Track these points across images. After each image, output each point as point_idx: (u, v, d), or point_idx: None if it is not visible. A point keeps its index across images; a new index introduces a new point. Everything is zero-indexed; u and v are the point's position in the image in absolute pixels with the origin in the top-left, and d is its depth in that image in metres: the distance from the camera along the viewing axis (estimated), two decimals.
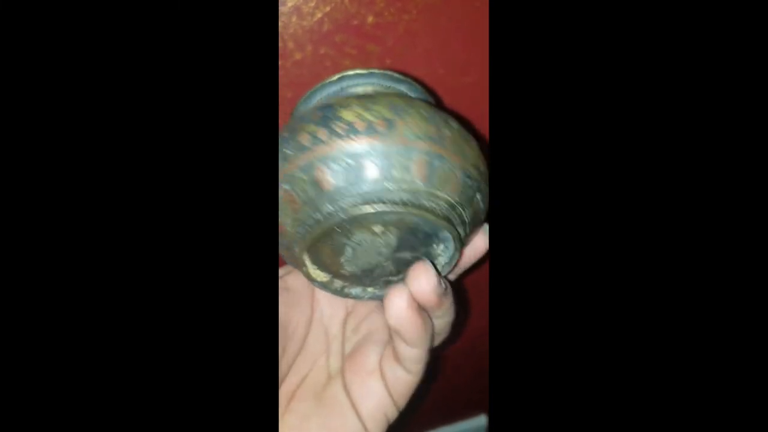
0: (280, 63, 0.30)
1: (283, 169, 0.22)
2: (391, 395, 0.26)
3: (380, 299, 0.25)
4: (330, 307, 0.29)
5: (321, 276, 0.24)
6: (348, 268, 0.24)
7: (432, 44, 0.32)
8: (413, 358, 0.25)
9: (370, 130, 0.21)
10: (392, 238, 0.22)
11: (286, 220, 0.22)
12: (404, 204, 0.21)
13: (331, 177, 0.21)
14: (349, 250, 0.23)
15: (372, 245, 0.22)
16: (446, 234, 0.23)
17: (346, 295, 0.25)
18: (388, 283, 0.25)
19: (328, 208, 0.21)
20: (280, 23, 0.29)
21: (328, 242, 0.22)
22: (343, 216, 0.21)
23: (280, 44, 0.29)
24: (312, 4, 0.29)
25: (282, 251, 0.24)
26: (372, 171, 0.20)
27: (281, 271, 0.28)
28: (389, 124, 0.21)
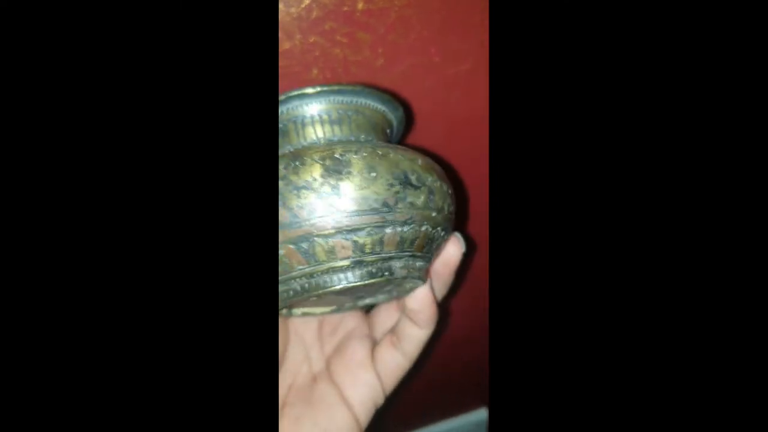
0: None
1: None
2: (381, 382, 0.28)
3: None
4: (302, 320, 0.31)
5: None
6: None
7: (426, 31, 0.31)
8: (416, 340, 0.28)
9: None
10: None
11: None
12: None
13: None
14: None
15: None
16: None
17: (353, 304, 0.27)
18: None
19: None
20: None
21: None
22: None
23: None
24: None
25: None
26: None
27: None
28: None
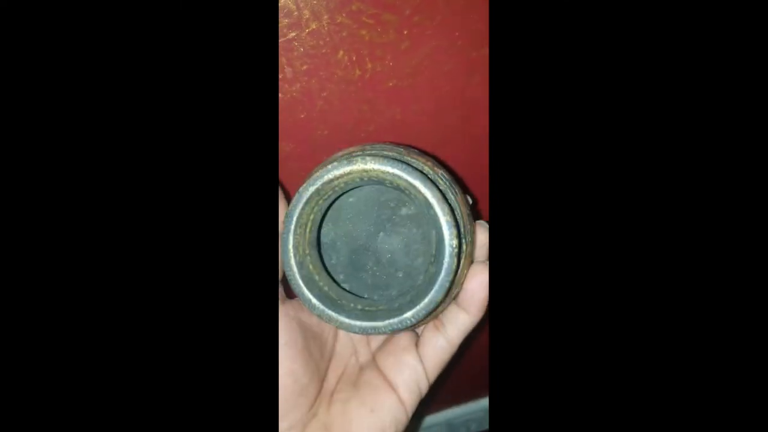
0: (295, 33, 0.29)
1: None
2: (424, 367, 0.29)
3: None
4: None
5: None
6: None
7: (451, 13, 0.31)
8: (462, 326, 0.28)
9: None
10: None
11: None
12: None
13: None
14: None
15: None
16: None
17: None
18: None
19: None
20: None
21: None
22: None
23: (296, 13, 0.28)
24: None
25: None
26: None
27: None
28: None
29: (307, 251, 0.26)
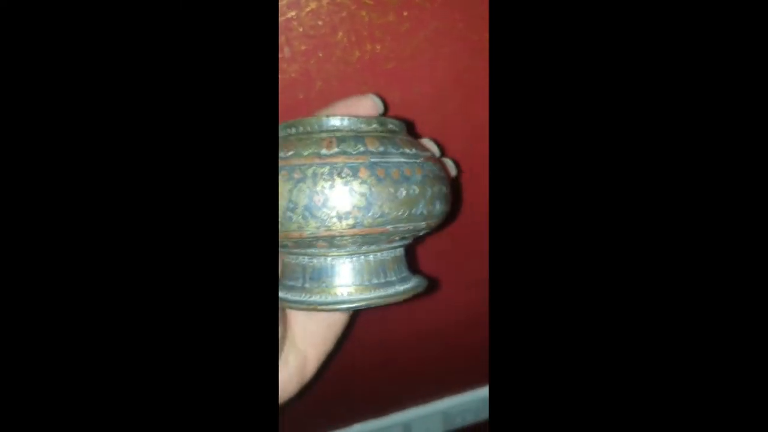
0: (295, 12, 0.29)
1: None
2: None
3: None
4: None
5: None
6: None
7: None
8: None
9: None
10: None
11: None
12: None
13: None
14: None
15: None
16: None
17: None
18: None
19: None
20: None
21: None
22: None
23: None
24: None
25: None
26: None
27: None
28: None
29: None
